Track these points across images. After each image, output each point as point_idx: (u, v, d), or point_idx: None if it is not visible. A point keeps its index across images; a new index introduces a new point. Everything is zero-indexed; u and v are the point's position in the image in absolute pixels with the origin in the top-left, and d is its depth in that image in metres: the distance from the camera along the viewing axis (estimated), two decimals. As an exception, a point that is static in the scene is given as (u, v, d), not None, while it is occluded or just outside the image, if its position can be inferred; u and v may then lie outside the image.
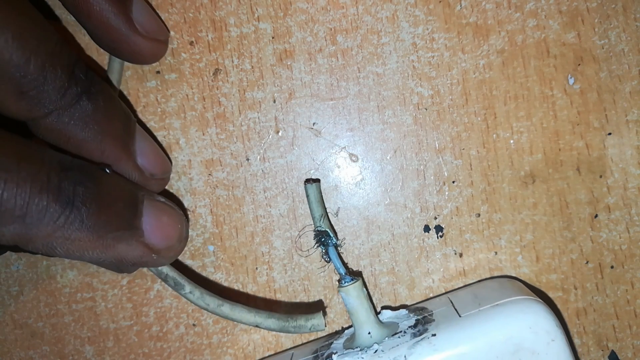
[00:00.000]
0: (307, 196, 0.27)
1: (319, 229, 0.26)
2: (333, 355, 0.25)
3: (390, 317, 0.26)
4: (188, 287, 0.26)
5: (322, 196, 0.27)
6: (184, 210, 0.29)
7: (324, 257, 0.27)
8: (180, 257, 0.29)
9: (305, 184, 0.27)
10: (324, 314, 0.28)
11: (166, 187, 0.29)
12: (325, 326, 0.27)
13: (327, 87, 0.29)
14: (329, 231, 0.26)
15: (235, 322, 0.29)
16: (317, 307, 0.29)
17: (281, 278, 0.29)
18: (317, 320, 0.26)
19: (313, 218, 0.27)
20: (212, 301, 0.26)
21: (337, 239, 0.27)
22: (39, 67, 0.20)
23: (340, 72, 0.29)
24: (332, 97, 0.29)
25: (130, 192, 0.23)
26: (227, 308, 0.26)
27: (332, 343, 0.27)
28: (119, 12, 0.24)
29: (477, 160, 0.29)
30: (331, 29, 0.29)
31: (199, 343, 0.30)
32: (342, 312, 0.29)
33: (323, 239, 0.26)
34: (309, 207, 0.27)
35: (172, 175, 0.29)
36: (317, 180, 0.28)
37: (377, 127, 0.29)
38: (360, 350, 0.24)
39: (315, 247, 0.26)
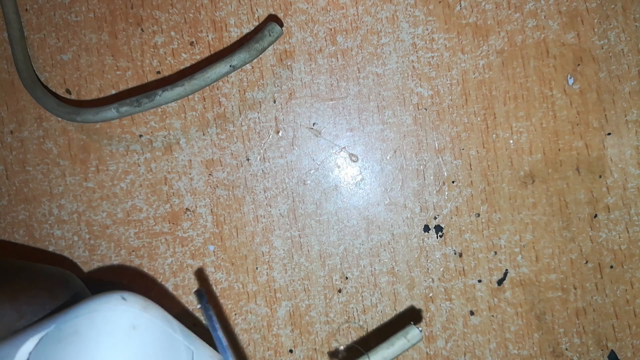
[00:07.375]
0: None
1: None
2: None
3: None
4: (159, 91, 0.26)
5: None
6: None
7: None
8: (180, 258, 0.29)
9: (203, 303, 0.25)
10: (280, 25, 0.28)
11: (166, 188, 0.29)
12: (282, 28, 0.27)
13: (327, 87, 0.29)
14: None
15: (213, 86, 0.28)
16: (267, 22, 0.29)
17: (281, 278, 0.29)
18: (271, 26, 0.27)
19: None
20: (182, 84, 0.26)
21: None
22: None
23: (340, 72, 0.29)
24: (332, 97, 0.29)
25: None
26: (199, 80, 0.26)
27: None
28: None
29: (476, 160, 0.29)
30: (331, 30, 0.29)
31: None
32: (342, 312, 0.29)
33: None
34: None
35: (172, 175, 0.29)
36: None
37: (377, 127, 0.29)
38: None
39: None
